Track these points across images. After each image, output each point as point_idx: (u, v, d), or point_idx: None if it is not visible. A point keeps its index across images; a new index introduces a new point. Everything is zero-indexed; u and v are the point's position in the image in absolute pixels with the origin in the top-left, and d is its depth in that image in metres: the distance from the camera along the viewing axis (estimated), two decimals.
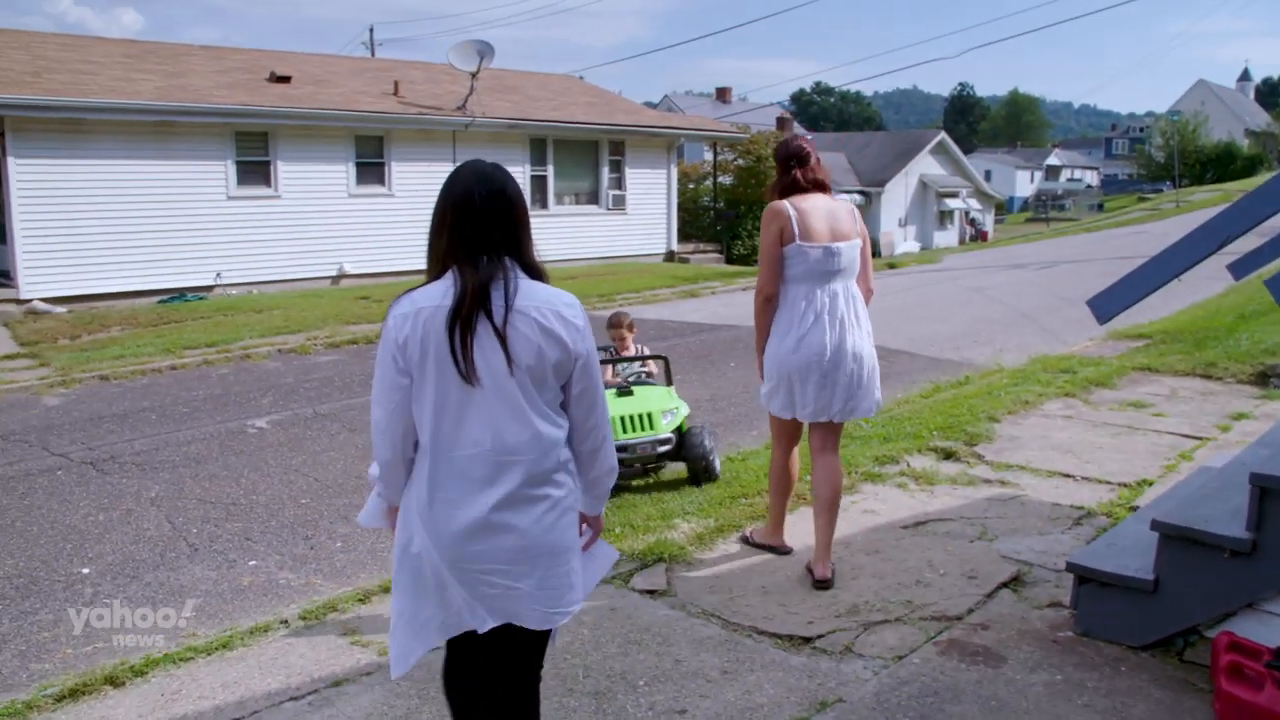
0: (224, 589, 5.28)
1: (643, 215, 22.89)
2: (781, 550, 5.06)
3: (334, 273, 18.10)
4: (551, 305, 2.55)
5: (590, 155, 21.95)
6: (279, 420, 8.68)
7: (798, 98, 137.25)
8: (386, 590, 4.92)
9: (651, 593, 4.66)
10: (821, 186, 4.64)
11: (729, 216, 26.06)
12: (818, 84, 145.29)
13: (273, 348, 12.06)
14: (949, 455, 6.76)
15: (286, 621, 4.67)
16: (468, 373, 2.46)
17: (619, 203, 22.30)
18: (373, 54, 37.49)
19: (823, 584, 4.62)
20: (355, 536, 5.97)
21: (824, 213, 4.55)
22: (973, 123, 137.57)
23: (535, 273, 2.62)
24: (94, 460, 7.52)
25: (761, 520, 5.39)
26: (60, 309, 14.97)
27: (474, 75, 19.71)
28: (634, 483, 6.47)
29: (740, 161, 27.25)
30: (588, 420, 2.65)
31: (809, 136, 42.63)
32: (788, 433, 4.87)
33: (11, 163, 14.71)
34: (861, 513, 5.65)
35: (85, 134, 15.27)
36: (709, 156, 29.73)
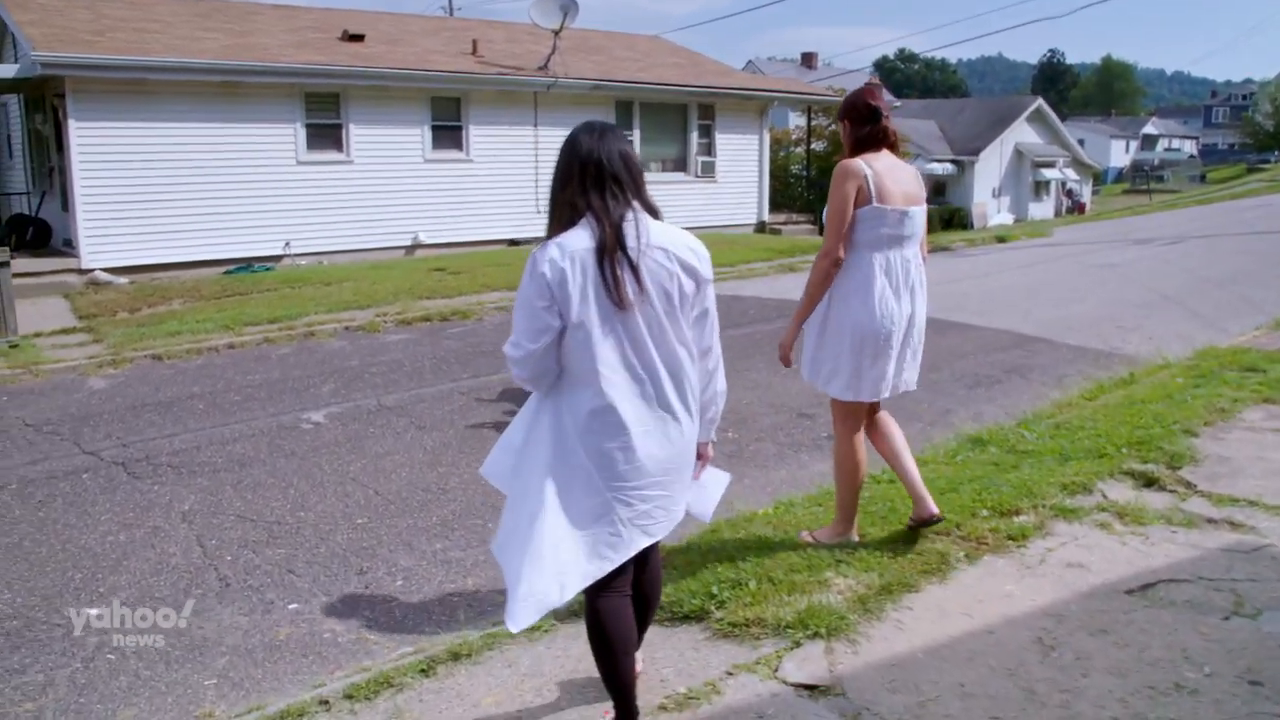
0: (255, 644, 4.21)
1: (733, 183, 21.53)
2: (847, 542, 4.57)
3: (408, 243, 17.10)
4: (680, 240, 2.90)
5: (678, 119, 20.62)
6: (338, 413, 7.63)
7: (880, 64, 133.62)
8: (457, 657, 3.82)
9: (811, 688, 3.45)
10: (894, 144, 4.33)
11: (822, 185, 24.54)
12: (901, 51, 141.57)
13: (339, 325, 11.06)
14: (1151, 482, 5.40)
15: (327, 703, 3.57)
16: (621, 301, 2.75)
17: (708, 170, 20.96)
18: (450, 14, 36.41)
19: (934, 519, 4.46)
20: (419, 572, 4.87)
21: (897, 173, 4.26)
22: (1063, 90, 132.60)
23: (654, 214, 2.92)
24: (126, 461, 6.53)
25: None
26: (122, 279, 14.18)
27: (557, 33, 18.49)
28: (760, 512, 5.26)
29: (834, 127, 25.63)
30: (705, 340, 2.99)
31: (897, 103, 40.77)
32: (855, 413, 4.52)
33: (73, 125, 13.92)
34: (1065, 567, 4.36)
35: (148, 95, 14.41)
36: (800, 123, 28.19)
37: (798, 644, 3.72)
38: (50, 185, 16.76)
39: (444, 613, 4.46)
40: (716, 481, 3.24)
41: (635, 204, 2.85)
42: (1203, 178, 75.57)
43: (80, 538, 5.28)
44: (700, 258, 2.90)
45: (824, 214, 4.36)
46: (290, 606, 4.54)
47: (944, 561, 4.37)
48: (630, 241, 2.78)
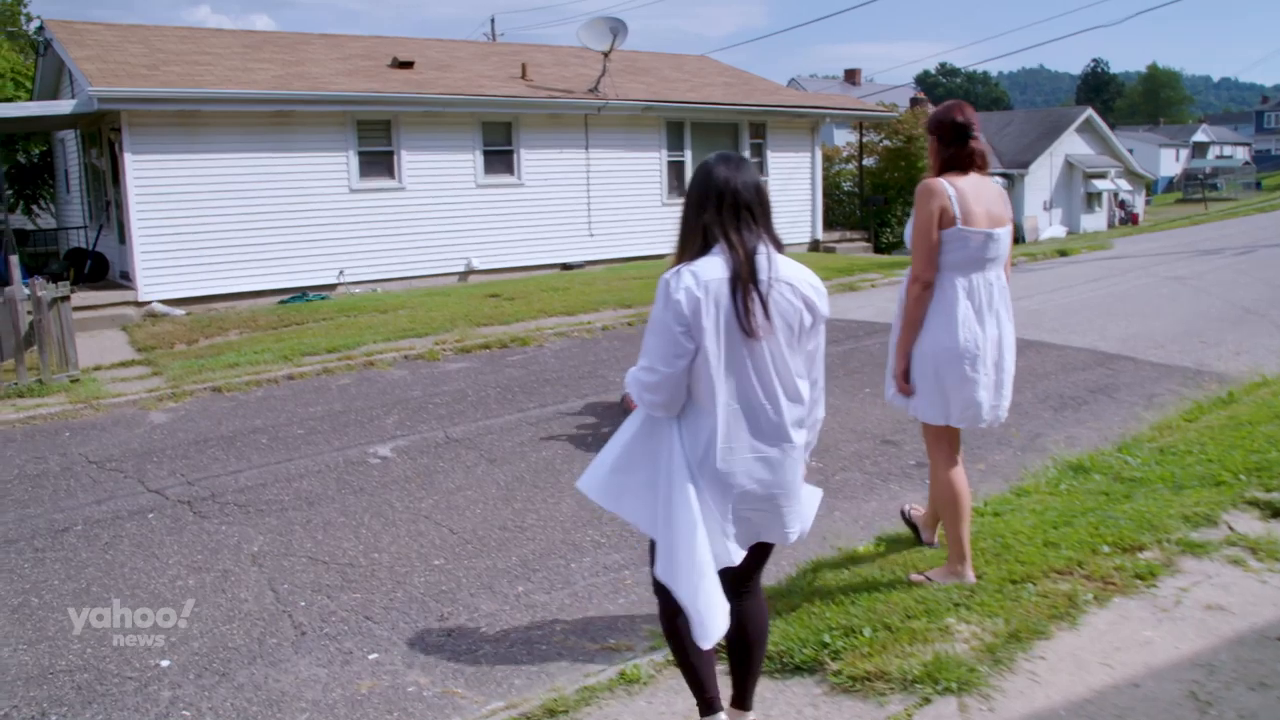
0: (336, 699, 3.97)
1: (786, 201, 21.23)
2: (963, 581, 4.27)
3: (461, 268, 16.97)
4: (804, 277, 2.91)
5: (729, 139, 20.38)
6: (405, 447, 7.42)
7: (922, 80, 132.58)
8: (553, 714, 3.57)
9: None
10: (982, 167, 4.17)
11: (876, 202, 24.15)
12: (943, 65, 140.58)
13: (398, 354, 10.89)
14: (1278, 512, 5.04)
15: None
16: (752, 330, 2.79)
17: None
18: (493, 39, 36.52)
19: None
20: (503, 617, 4.62)
21: (982, 194, 4.12)
22: (1108, 100, 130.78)
23: (779, 247, 2.93)
24: (192, 499, 6.36)
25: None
26: (179, 311, 14.16)
27: (606, 54, 18.34)
28: (860, 549, 4.95)
29: (887, 142, 25.27)
30: (813, 371, 3.00)
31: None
32: (947, 439, 4.33)
33: (129, 159, 13.94)
34: (1204, 609, 4.01)
35: (202, 127, 14.42)
36: (851, 139, 27.84)
37: (928, 700, 3.41)
38: (107, 219, 16.84)
39: (532, 661, 4.20)
40: (811, 496, 3.23)
41: (764, 236, 2.88)
42: (1258, 185, 74.10)
43: (149, 582, 5.09)
44: (820, 294, 2.93)
45: (905, 235, 4.31)
46: (370, 656, 4.30)
47: (1072, 604, 4.04)
48: (762, 274, 2.82)
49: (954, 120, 4.15)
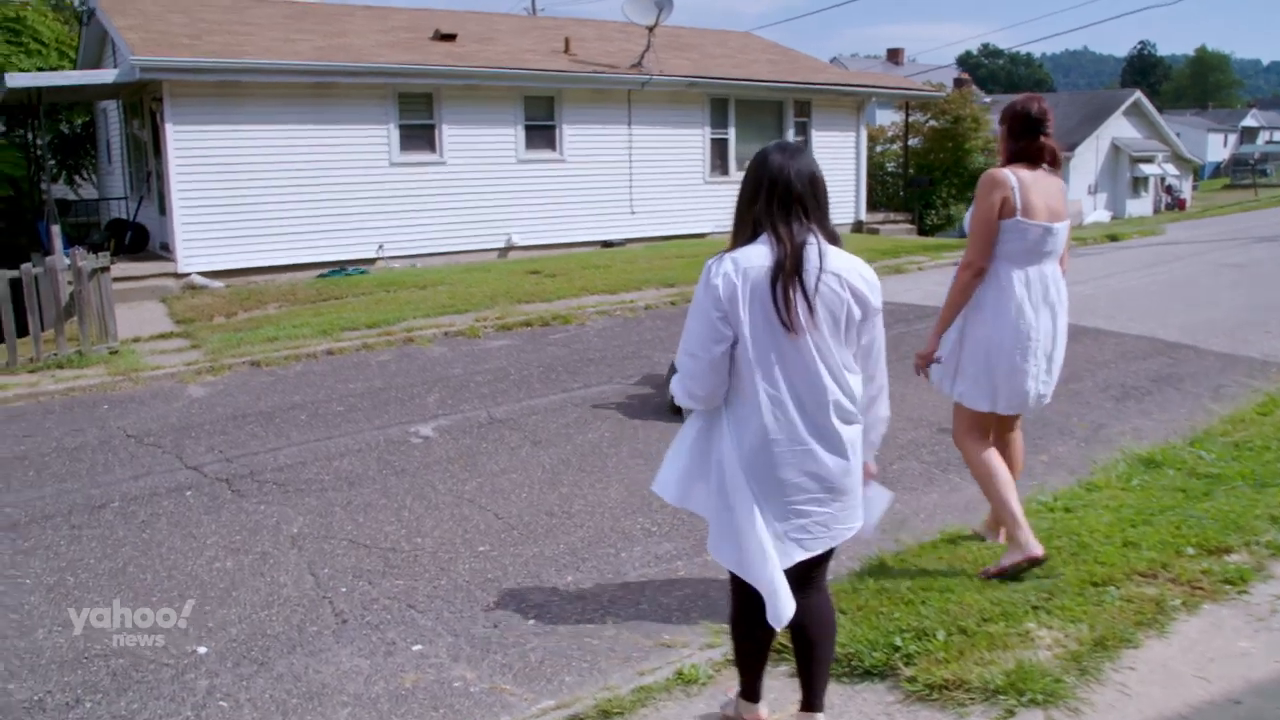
0: (378, 693, 3.79)
1: (830, 182, 20.56)
2: (1035, 560, 4.13)
3: (501, 244, 16.78)
4: (854, 268, 2.84)
5: (774, 117, 20.02)
6: (447, 426, 7.25)
7: (964, 60, 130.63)
8: (607, 715, 3.38)
9: None
10: (1053, 161, 4.17)
11: (921, 183, 23.68)
12: (985, 46, 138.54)
13: (438, 330, 10.73)
14: None
15: None
16: (791, 324, 2.73)
17: None
18: (533, 13, 36.20)
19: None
20: (552, 608, 4.42)
21: (1044, 188, 4.14)
22: (1154, 84, 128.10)
23: (834, 240, 2.86)
24: (230, 477, 6.21)
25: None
26: (218, 283, 14.07)
27: (651, 29, 18.02)
28: (926, 543, 4.72)
29: (933, 123, 24.77)
30: (870, 368, 2.94)
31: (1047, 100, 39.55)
32: (983, 425, 4.37)
33: (170, 129, 13.84)
34: None
35: (243, 98, 14.29)
36: (895, 119, 27.35)
37: (1012, 713, 3.19)
38: (148, 189, 16.81)
39: (583, 657, 4.00)
40: (880, 497, 3.21)
41: (816, 228, 2.83)
42: None
43: (186, 563, 4.95)
44: (872, 287, 2.86)
45: (964, 222, 4.41)
46: (414, 648, 4.11)
47: (1159, 610, 3.79)
48: (808, 266, 2.76)
49: (1028, 113, 4.14)
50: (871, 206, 22.81)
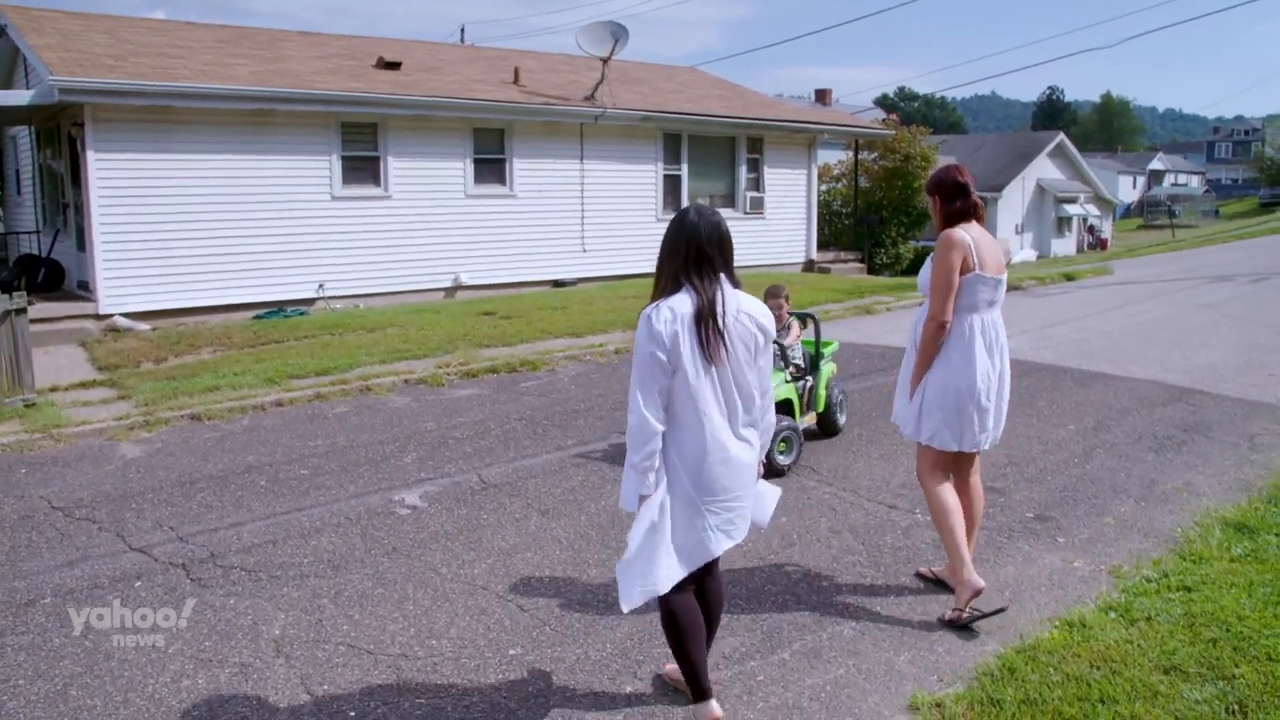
0: None
1: (781, 220, 20.36)
2: (978, 591, 4.37)
3: (449, 284, 15.82)
4: (757, 307, 3.47)
5: (727, 153, 19.47)
6: (436, 494, 6.31)
7: (881, 102, 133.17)
8: None
9: None
10: (981, 216, 4.59)
11: (871, 222, 23.26)
12: (901, 89, 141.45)
13: (397, 377, 9.77)
14: None
15: None
16: (713, 357, 3.34)
17: (757, 205, 19.78)
18: (462, 42, 35.37)
19: (980, 592, 4.37)
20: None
21: (989, 243, 4.55)
22: (1063, 127, 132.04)
23: (737, 285, 3.47)
24: (186, 562, 5.21)
25: None
26: (144, 326, 12.90)
27: (605, 61, 17.34)
28: (1045, 637, 3.95)
29: (883, 161, 24.45)
30: (764, 383, 3.53)
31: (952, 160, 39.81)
32: (945, 465, 4.70)
33: (92, 157, 12.68)
34: None
35: (175, 124, 13.19)
36: (840, 157, 27.07)
37: None
38: (64, 222, 15.51)
39: None
40: (771, 492, 3.77)
41: (723, 277, 3.41)
42: (1216, 212, 74.90)
43: (145, 682, 3.96)
44: (769, 319, 3.51)
45: (920, 279, 4.70)
46: None
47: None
48: (719, 309, 3.35)
49: (956, 180, 4.54)
50: (820, 246, 22.36)
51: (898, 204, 23.85)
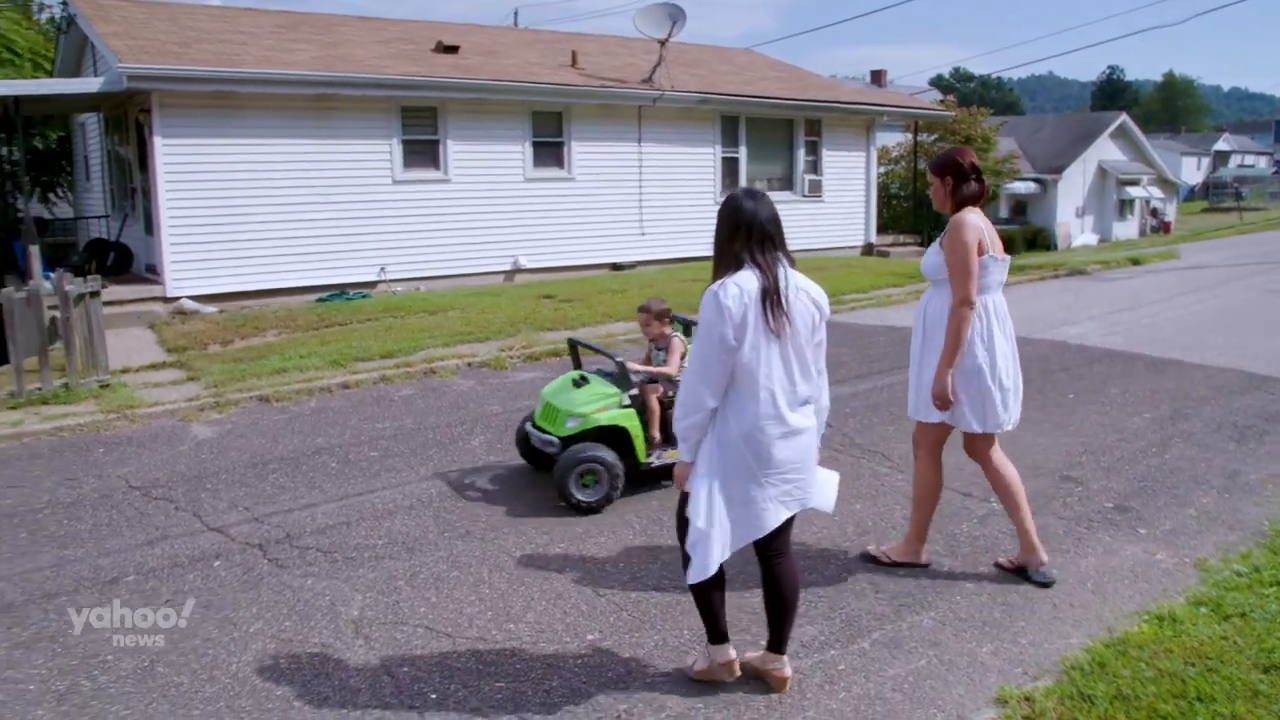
0: None
1: (840, 203, 20.15)
2: (920, 565, 4.88)
3: (508, 266, 15.88)
4: (814, 286, 3.56)
5: (784, 136, 19.29)
6: (505, 476, 6.33)
7: (936, 82, 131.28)
8: None
9: None
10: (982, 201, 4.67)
11: (929, 203, 23.01)
12: (956, 70, 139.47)
13: (460, 360, 9.81)
14: None
15: None
16: (778, 331, 3.42)
17: (815, 188, 19.60)
18: (515, 25, 35.39)
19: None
20: (700, 716, 3.52)
21: (989, 225, 4.59)
22: (1124, 107, 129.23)
23: (792, 263, 3.55)
24: (263, 542, 5.27)
25: None
26: (210, 308, 13.09)
27: (663, 43, 17.25)
28: (1134, 631, 3.86)
29: (942, 143, 24.11)
30: (820, 362, 3.62)
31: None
32: (942, 440, 4.83)
33: (159, 143, 12.87)
34: None
35: (238, 110, 13.33)
36: (897, 139, 26.72)
37: None
38: (132, 207, 15.78)
39: None
40: (831, 478, 3.79)
41: (781, 256, 3.50)
42: None
43: (228, 659, 4.00)
44: (825, 299, 3.59)
45: (924, 263, 4.72)
46: None
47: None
48: (782, 285, 3.44)
49: (970, 162, 4.60)
50: (879, 229, 22.11)
51: None
